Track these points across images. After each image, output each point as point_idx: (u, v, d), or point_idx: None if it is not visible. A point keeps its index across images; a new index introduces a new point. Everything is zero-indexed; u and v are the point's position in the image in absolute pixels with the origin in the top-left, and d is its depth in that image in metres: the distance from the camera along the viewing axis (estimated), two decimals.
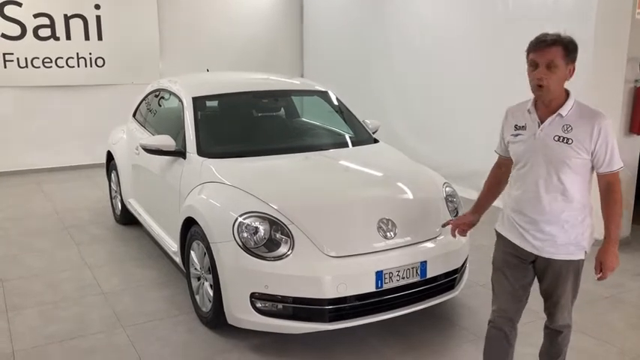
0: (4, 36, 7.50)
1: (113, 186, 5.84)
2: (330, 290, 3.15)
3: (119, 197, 5.59)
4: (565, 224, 2.46)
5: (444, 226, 3.27)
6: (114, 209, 5.89)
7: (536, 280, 2.65)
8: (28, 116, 7.89)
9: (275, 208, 3.39)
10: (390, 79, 7.92)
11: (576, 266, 2.53)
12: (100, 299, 4.09)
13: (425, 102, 7.38)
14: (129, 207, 5.35)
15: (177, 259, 4.09)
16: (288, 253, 3.22)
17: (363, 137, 4.71)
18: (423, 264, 3.37)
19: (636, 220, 5.41)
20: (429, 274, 3.41)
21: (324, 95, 5.09)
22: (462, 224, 2.98)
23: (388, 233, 3.39)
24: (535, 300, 2.75)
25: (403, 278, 3.31)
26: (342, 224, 3.40)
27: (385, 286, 3.26)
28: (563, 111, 2.41)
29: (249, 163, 4.05)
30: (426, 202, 3.71)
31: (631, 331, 3.69)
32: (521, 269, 2.60)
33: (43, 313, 3.86)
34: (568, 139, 2.38)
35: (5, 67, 7.57)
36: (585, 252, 2.53)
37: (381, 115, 6.44)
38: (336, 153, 4.37)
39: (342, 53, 8.77)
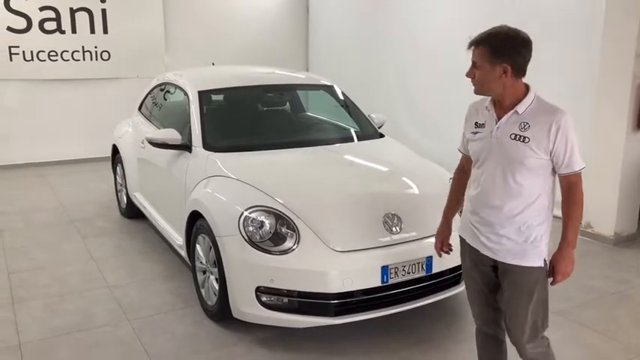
0: (9, 29, 7.49)
1: (118, 179, 5.85)
2: (335, 285, 3.15)
3: (124, 190, 5.60)
4: (522, 226, 2.30)
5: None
6: (119, 202, 5.90)
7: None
8: (33, 109, 7.91)
9: (281, 202, 3.39)
10: (396, 73, 7.90)
11: (537, 277, 2.33)
12: (105, 292, 4.10)
13: (430, 97, 7.36)
14: (134, 200, 5.36)
15: (183, 253, 4.10)
16: (294, 247, 3.22)
17: (369, 132, 4.70)
18: (429, 259, 3.36)
19: None
20: (435, 269, 3.40)
21: (329, 89, 5.08)
22: (446, 241, 2.74)
23: (394, 228, 3.38)
24: None
25: (409, 273, 3.31)
26: (347, 219, 3.40)
27: (391, 281, 3.26)
28: (520, 108, 2.25)
29: (255, 157, 4.05)
30: (431, 196, 3.69)
31: (637, 327, 3.67)
32: (488, 273, 2.47)
33: (49, 306, 3.88)
34: (524, 137, 2.22)
35: (11, 60, 7.57)
36: (545, 260, 2.34)
37: (387, 110, 6.41)
38: (342, 147, 4.36)
39: (348, 47, 8.75)
